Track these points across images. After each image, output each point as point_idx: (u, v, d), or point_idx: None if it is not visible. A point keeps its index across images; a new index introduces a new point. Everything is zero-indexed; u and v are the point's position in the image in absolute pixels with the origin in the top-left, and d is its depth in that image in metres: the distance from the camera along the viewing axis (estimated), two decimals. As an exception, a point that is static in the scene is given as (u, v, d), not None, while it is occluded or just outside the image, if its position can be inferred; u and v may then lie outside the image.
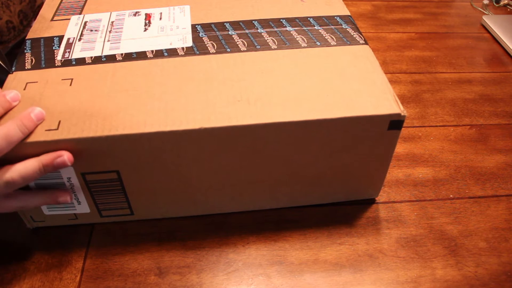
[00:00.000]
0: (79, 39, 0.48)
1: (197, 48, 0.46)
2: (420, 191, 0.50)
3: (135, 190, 0.43)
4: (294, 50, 0.46)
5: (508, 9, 0.87)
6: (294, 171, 0.44)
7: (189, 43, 0.47)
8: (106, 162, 0.40)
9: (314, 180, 0.45)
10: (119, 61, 0.45)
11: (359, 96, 0.41)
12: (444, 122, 0.60)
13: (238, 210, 0.47)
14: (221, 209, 0.47)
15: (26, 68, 0.45)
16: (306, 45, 0.47)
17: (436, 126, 0.59)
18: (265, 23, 0.50)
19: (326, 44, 0.47)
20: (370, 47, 0.47)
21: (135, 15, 0.51)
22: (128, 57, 0.45)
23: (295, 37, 0.48)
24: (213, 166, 0.42)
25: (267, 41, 0.47)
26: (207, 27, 0.49)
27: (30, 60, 0.45)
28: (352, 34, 0.48)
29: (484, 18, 0.81)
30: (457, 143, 0.57)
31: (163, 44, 0.47)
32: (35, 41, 0.48)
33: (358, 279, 0.42)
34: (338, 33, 0.48)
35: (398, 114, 0.40)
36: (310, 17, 0.51)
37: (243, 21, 0.50)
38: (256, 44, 0.47)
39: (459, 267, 0.43)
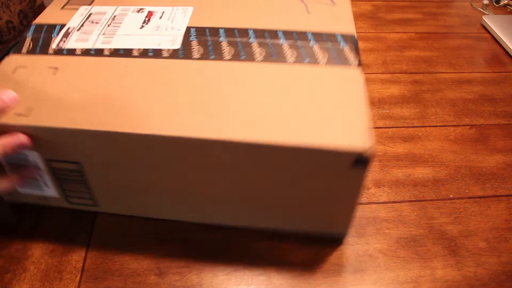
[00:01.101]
0: (78, 30, 0.49)
1: (182, 52, 0.45)
2: (420, 191, 0.50)
3: (98, 184, 0.43)
4: (278, 64, 0.43)
5: (508, 9, 0.87)
6: (251, 192, 0.41)
7: (177, 45, 0.46)
8: (69, 153, 0.41)
9: (273, 205, 0.42)
10: (106, 56, 0.45)
11: (329, 125, 0.37)
12: (444, 122, 0.60)
13: (198, 221, 0.46)
14: (174, 216, 0.46)
15: (22, 52, 0.46)
16: (293, 60, 0.44)
17: (436, 126, 0.59)
18: (259, 33, 0.48)
19: (315, 62, 0.44)
20: (362, 71, 0.43)
21: (138, 11, 0.51)
22: (115, 53, 0.46)
23: (285, 51, 0.45)
24: (165, 172, 0.41)
25: (254, 52, 0.45)
26: (201, 31, 0.48)
27: (28, 45, 0.47)
28: (347, 55, 0.44)
29: (484, 18, 0.81)
30: (457, 143, 0.57)
31: (152, 44, 0.46)
32: (39, 27, 0.49)
33: (358, 279, 0.42)
34: (332, 52, 0.45)
35: (363, 152, 0.35)
36: (309, 32, 0.48)
37: (238, 29, 0.48)
38: (242, 54, 0.45)
39: (459, 267, 0.43)
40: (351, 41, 0.46)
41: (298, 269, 0.43)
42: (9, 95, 0.39)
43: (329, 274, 0.42)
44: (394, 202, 0.49)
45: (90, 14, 0.51)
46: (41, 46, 0.46)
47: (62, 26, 0.49)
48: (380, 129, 0.58)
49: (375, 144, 0.35)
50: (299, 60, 0.44)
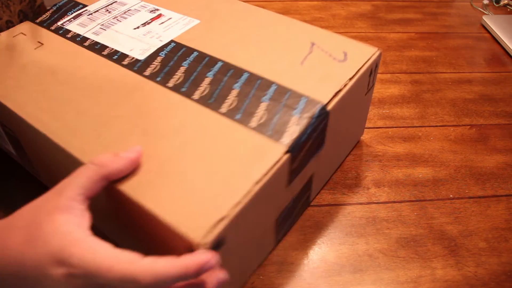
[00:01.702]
0: (89, 14, 0.50)
1: (140, 65, 0.43)
2: (420, 191, 0.50)
3: (33, 158, 0.44)
4: (205, 109, 0.38)
5: (508, 9, 0.87)
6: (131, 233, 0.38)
7: (142, 56, 0.44)
8: (7, 121, 0.42)
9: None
10: (84, 46, 0.46)
11: (189, 197, 0.32)
12: (444, 122, 0.60)
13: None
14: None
15: (36, 21, 0.50)
16: (225, 111, 0.38)
17: (436, 126, 0.59)
18: (225, 68, 0.42)
19: (244, 121, 0.37)
20: (287, 153, 0.35)
21: (151, 11, 0.51)
22: (92, 46, 0.46)
23: (229, 97, 0.40)
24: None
25: (199, 88, 0.40)
26: (177, 48, 0.45)
27: (45, 15, 0.50)
28: (288, 126, 0.37)
29: (484, 18, 0.81)
30: (457, 143, 0.57)
31: (126, 48, 0.45)
32: (68, 2, 0.52)
33: (358, 279, 0.42)
34: (275, 117, 0.38)
35: (196, 244, 0.30)
36: (276, 84, 0.41)
37: (210, 57, 0.44)
38: (184, 86, 0.41)
39: (459, 267, 0.43)
40: (312, 112, 0.38)
41: (298, 269, 0.43)
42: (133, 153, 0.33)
43: (329, 274, 0.42)
44: (394, 202, 0.49)
45: (114, 3, 0.52)
46: (52, 20, 0.49)
47: (84, 6, 0.51)
48: (380, 129, 0.58)
49: (217, 241, 0.31)
50: (231, 112, 0.38)
